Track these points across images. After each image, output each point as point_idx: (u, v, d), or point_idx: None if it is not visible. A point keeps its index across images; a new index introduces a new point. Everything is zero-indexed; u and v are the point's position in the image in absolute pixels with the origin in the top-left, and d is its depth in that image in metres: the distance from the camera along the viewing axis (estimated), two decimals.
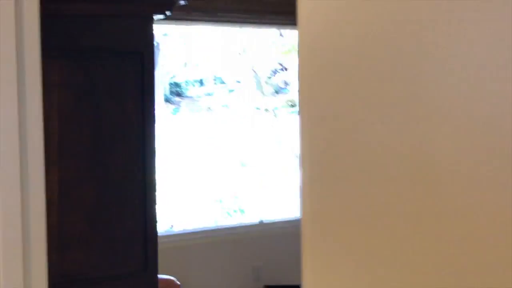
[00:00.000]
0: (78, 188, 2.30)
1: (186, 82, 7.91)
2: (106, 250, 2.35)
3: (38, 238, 1.77)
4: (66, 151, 2.26)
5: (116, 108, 2.34)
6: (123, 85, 2.35)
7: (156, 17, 2.41)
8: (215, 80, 7.74)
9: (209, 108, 7.65)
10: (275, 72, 7.11)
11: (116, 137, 2.34)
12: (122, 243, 2.38)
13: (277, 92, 7.15)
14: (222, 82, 7.80)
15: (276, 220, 5.99)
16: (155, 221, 2.44)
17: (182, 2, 2.78)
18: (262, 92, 6.97)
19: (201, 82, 7.78)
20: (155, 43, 2.51)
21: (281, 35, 6.75)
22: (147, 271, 2.40)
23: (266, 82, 7.07)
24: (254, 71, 6.89)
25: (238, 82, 7.11)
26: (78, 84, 2.27)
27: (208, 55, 7.31)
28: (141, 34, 2.37)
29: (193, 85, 7.68)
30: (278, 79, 7.14)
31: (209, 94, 7.69)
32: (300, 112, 1.03)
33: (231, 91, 7.60)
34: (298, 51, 1.03)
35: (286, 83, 7.12)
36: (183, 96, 7.98)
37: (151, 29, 2.37)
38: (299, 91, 1.05)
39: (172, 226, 6.07)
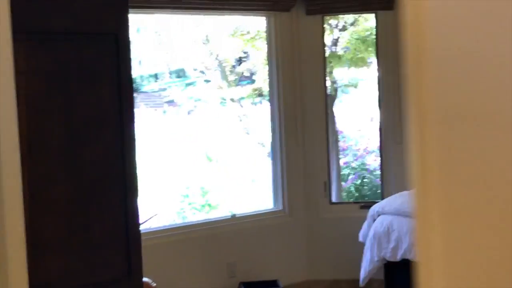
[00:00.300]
0: (51, 186, 2.05)
1: (141, 77, 7.64)
2: (85, 255, 2.11)
3: (15, 245, 1.53)
4: (36, 145, 2.01)
5: (90, 95, 2.10)
6: (97, 70, 2.11)
7: None
8: (170, 74, 7.50)
9: (169, 101, 7.41)
10: (239, 61, 6.90)
11: (91, 127, 2.10)
12: (103, 246, 2.14)
13: (241, 81, 6.95)
14: (179, 76, 7.57)
15: (249, 214, 5.77)
16: (138, 220, 2.21)
17: None
18: (227, 82, 6.75)
19: (155, 77, 7.53)
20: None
21: (244, 22, 6.54)
22: (131, 276, 2.17)
23: (231, 71, 6.86)
24: (218, 61, 6.67)
25: (202, 72, 6.88)
26: (47, 70, 2.02)
27: (169, 47, 7.06)
28: (114, 13, 2.13)
29: (148, 81, 7.43)
30: (243, 68, 6.93)
31: (167, 88, 7.45)
32: (413, 110, 0.81)
33: (188, 85, 7.37)
34: (408, 45, 0.82)
35: (251, 72, 6.91)
36: (138, 92, 7.72)
37: (126, 8, 2.13)
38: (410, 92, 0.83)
39: None
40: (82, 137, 2.09)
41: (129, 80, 2.16)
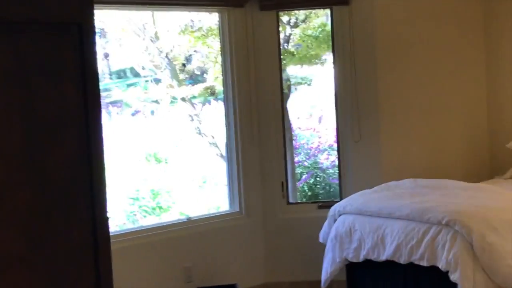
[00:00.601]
0: (9, 195, 1.83)
1: None
2: (48, 271, 1.89)
3: None
4: None
5: (53, 92, 1.88)
6: (60, 64, 1.90)
7: None
8: (111, 74, 7.25)
9: (114, 102, 7.16)
10: (189, 59, 6.68)
11: (54, 128, 1.89)
12: (68, 260, 1.93)
13: (189, 80, 6.74)
14: (120, 77, 7.32)
15: (204, 216, 5.58)
16: (107, 229, 2.01)
17: None
18: (178, 81, 6.53)
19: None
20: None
21: (195, 19, 6.33)
22: None
23: (181, 70, 6.64)
24: (168, 59, 6.44)
25: (151, 70, 6.64)
26: (4, 64, 1.80)
27: (114, 45, 6.81)
28: (78, 0, 1.93)
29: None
30: (194, 66, 6.72)
31: (112, 88, 7.19)
32: None
33: (129, 86, 7.14)
34: None
35: (202, 71, 6.71)
36: None
37: None
38: None
39: None
40: (43, 138, 1.87)
41: (95, 75, 1.96)
